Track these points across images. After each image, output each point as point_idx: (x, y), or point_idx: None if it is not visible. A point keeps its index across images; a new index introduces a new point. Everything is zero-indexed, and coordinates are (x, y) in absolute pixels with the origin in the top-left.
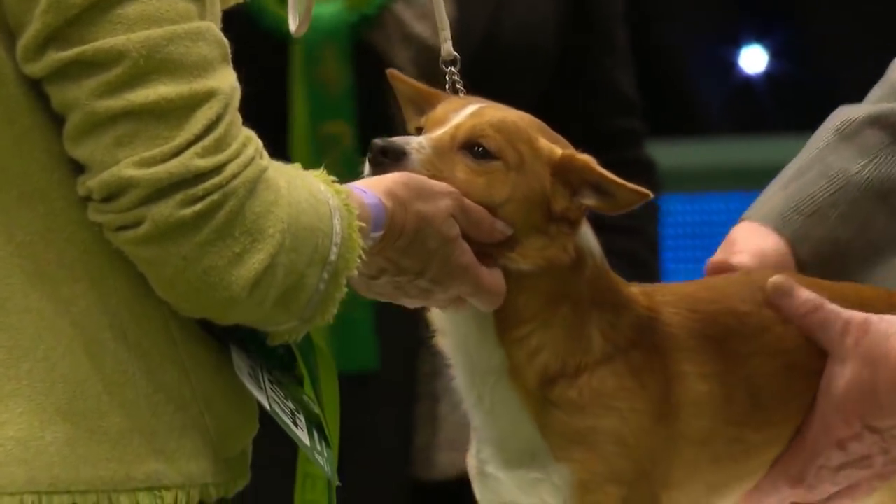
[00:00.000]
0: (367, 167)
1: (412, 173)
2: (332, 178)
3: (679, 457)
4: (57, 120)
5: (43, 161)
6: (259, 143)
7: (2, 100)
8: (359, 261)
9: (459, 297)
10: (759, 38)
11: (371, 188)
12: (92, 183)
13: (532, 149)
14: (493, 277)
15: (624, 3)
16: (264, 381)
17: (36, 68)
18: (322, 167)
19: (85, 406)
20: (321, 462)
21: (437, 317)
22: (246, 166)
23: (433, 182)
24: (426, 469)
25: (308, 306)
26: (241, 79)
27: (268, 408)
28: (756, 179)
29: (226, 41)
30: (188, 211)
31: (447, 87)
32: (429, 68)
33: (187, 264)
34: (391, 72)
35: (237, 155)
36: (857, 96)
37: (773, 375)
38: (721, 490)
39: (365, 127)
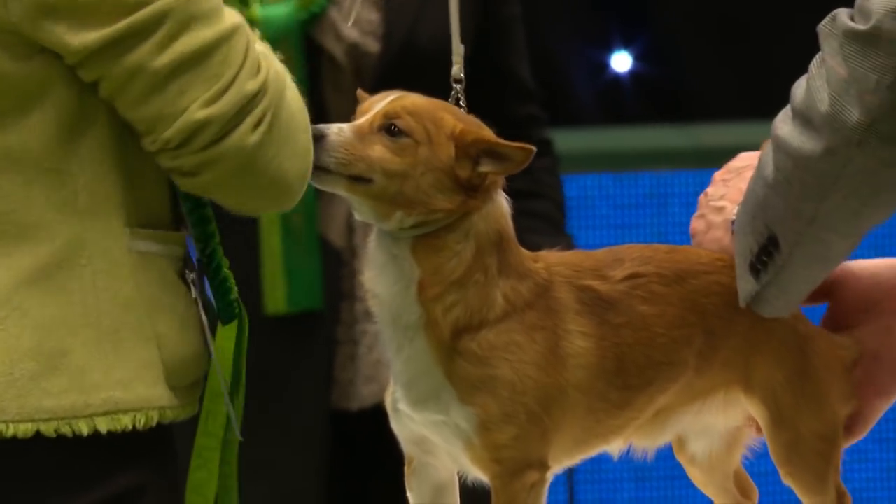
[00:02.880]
0: None
1: None
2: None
3: (566, 401)
4: (33, 97)
5: (19, 134)
6: (264, 49)
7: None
8: None
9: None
10: (625, 45)
11: None
12: (168, 133)
13: (437, 126)
14: None
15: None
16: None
17: (88, 40)
18: None
19: (50, 347)
20: (230, 410)
21: (370, 280)
22: (276, 82)
23: None
24: (347, 401)
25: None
26: None
27: (211, 350)
28: (623, 162)
29: None
30: (256, 135)
31: (450, 101)
32: (356, 62)
33: (271, 179)
34: (360, 92)
35: (268, 70)
36: (702, 94)
37: (636, 346)
38: (583, 446)
39: (319, 96)
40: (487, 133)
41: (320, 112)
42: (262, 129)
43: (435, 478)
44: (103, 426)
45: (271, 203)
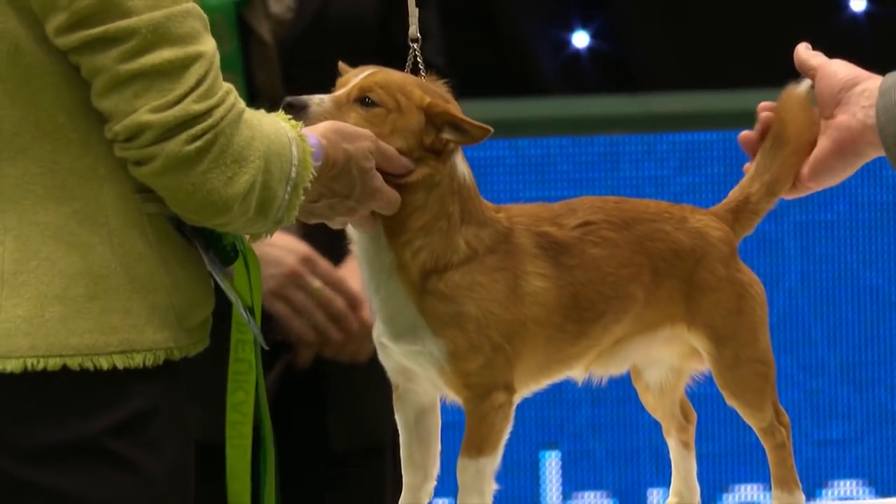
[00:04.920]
0: None
1: (338, 121)
2: (289, 116)
3: (527, 333)
4: (63, 79)
5: (51, 110)
6: (236, 92)
7: (22, 65)
8: (311, 176)
9: (373, 212)
10: (584, 25)
11: (310, 132)
12: (118, 127)
13: (407, 98)
14: (394, 195)
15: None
16: (218, 273)
17: (68, 41)
18: None
19: (75, 293)
20: (255, 331)
21: (350, 231)
22: (229, 110)
23: (356, 128)
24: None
25: (278, 212)
26: None
27: (224, 288)
28: (581, 127)
29: (206, 16)
30: (191, 147)
31: (409, 60)
32: (280, 36)
33: (195, 189)
34: (341, 65)
35: (222, 101)
36: (649, 67)
37: (588, 284)
38: (547, 371)
39: (249, 77)
40: (453, 107)
41: (252, 88)
42: (197, 144)
43: (417, 402)
44: (120, 363)
45: (197, 214)
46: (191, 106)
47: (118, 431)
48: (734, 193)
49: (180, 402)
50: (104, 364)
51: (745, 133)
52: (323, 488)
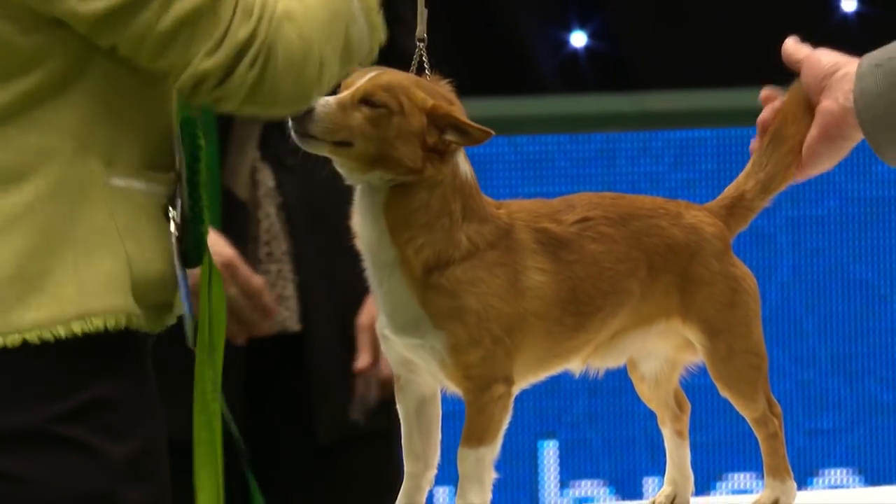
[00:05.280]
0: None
1: None
2: None
3: (527, 326)
4: (32, 59)
5: (18, 90)
6: None
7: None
8: None
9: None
10: (581, 25)
11: None
12: (180, 82)
13: (410, 100)
14: None
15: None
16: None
17: (97, 7)
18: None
19: (33, 271)
20: (188, 326)
21: (355, 224)
22: (270, 20)
23: None
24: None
25: (364, 41)
26: None
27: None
28: (578, 124)
29: None
30: (251, 74)
31: (414, 60)
32: None
33: (276, 98)
34: None
35: (260, 17)
36: (644, 67)
37: (586, 279)
38: (545, 364)
39: None
40: (456, 109)
41: None
42: (256, 70)
43: (419, 392)
44: (77, 329)
45: (293, 110)
46: (236, 35)
47: (73, 417)
48: (729, 190)
49: (147, 395)
50: (62, 332)
51: (763, 116)
52: (314, 478)
